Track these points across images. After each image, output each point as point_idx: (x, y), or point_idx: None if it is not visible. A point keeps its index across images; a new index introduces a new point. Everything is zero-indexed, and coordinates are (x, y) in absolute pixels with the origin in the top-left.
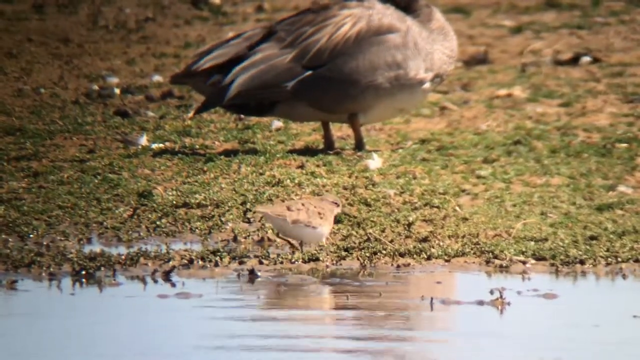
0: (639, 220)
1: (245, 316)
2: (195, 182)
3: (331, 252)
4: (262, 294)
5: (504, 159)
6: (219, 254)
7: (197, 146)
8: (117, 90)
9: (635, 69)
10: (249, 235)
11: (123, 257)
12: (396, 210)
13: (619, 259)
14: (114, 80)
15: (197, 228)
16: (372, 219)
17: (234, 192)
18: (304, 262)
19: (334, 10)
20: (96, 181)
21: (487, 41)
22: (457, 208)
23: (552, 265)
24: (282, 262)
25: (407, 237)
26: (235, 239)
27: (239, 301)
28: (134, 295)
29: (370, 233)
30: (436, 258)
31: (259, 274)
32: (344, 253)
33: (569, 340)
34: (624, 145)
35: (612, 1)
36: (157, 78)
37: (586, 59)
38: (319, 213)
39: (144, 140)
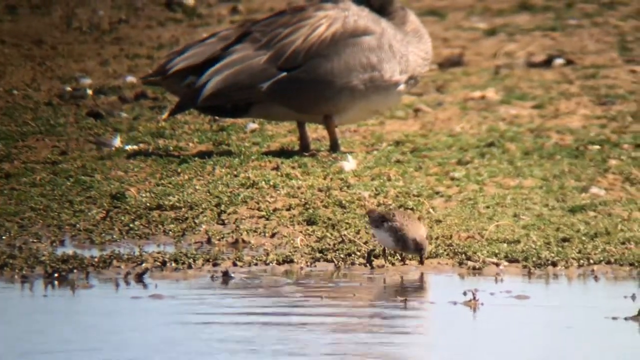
0: (611, 222)
1: (217, 318)
2: (169, 183)
3: (305, 253)
4: (236, 295)
5: (477, 161)
6: (192, 255)
7: (171, 148)
8: (90, 92)
9: (608, 71)
10: (223, 237)
11: (96, 259)
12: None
13: (591, 261)
14: (87, 81)
15: (170, 230)
16: (346, 220)
17: (208, 194)
18: (279, 263)
19: (309, 12)
20: (69, 183)
21: (462, 43)
22: (430, 210)
23: (525, 267)
24: (256, 264)
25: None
26: (209, 241)
27: (211, 303)
28: (107, 297)
29: (344, 235)
30: (410, 259)
31: (233, 275)
32: (318, 255)
33: (540, 341)
34: (597, 147)
35: (585, 3)
36: (131, 79)
37: (559, 61)
38: None
39: (117, 142)
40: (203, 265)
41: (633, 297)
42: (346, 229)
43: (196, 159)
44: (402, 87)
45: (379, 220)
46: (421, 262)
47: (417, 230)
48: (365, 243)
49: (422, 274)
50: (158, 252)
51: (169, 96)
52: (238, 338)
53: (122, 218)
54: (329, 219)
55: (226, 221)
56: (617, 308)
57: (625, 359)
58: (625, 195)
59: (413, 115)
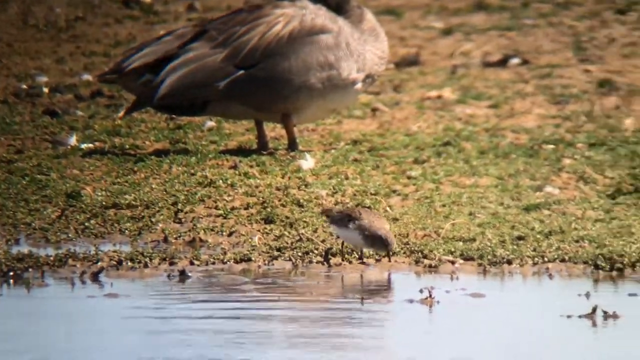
0: (566, 221)
1: (173, 316)
2: (125, 182)
3: (263, 252)
4: (193, 293)
5: (433, 160)
6: (148, 255)
7: (128, 146)
8: (46, 90)
9: (563, 70)
10: (180, 236)
11: (51, 258)
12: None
13: (546, 259)
14: (43, 79)
15: (126, 229)
16: (304, 219)
17: (164, 192)
18: (236, 262)
19: (266, 10)
20: (24, 182)
21: (418, 43)
22: (387, 208)
23: (480, 265)
24: (213, 263)
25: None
26: (165, 240)
27: (167, 301)
28: (62, 297)
29: (302, 233)
30: (367, 257)
31: (190, 274)
32: (276, 253)
33: (495, 339)
34: (551, 146)
35: (540, 3)
36: (87, 77)
37: (515, 60)
38: None
39: (73, 140)
40: (160, 264)
41: (587, 295)
42: (304, 227)
43: (153, 157)
44: (359, 85)
45: (344, 219)
46: (389, 258)
47: (384, 226)
48: (323, 241)
49: (379, 272)
50: (114, 251)
51: (125, 94)
52: (196, 334)
53: (78, 217)
54: (287, 217)
55: (183, 220)
56: (572, 306)
57: (579, 357)
58: (579, 194)
59: (370, 114)
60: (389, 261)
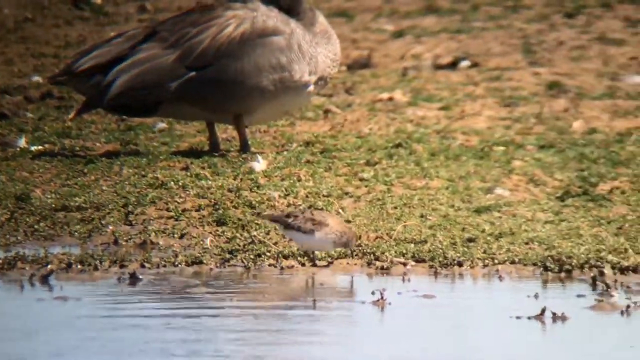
0: (515, 223)
1: (123, 318)
2: (75, 184)
3: (215, 254)
4: (143, 296)
5: (385, 162)
6: (98, 257)
7: (78, 148)
8: None
9: (513, 73)
10: (130, 239)
11: (0, 260)
12: (280, 213)
13: (496, 261)
14: None
15: (76, 231)
16: (256, 221)
17: (115, 194)
18: (188, 265)
19: (218, 11)
20: None
21: (370, 45)
22: (340, 210)
23: (431, 267)
24: (165, 266)
25: (291, 239)
26: (116, 242)
27: (117, 304)
28: (11, 299)
29: (254, 235)
30: (319, 260)
31: (140, 277)
32: (228, 255)
33: (445, 339)
34: (501, 148)
35: (490, 6)
36: (37, 78)
37: (465, 63)
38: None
39: (22, 142)
40: (110, 267)
41: (536, 296)
42: (256, 229)
43: (103, 159)
44: (311, 88)
45: (310, 225)
46: (352, 253)
47: (343, 224)
48: (275, 244)
49: (331, 274)
50: (63, 254)
51: (75, 96)
52: (145, 335)
53: (27, 219)
54: (239, 219)
55: (134, 222)
56: (521, 307)
57: (528, 358)
58: (528, 196)
59: (323, 116)
60: (352, 254)
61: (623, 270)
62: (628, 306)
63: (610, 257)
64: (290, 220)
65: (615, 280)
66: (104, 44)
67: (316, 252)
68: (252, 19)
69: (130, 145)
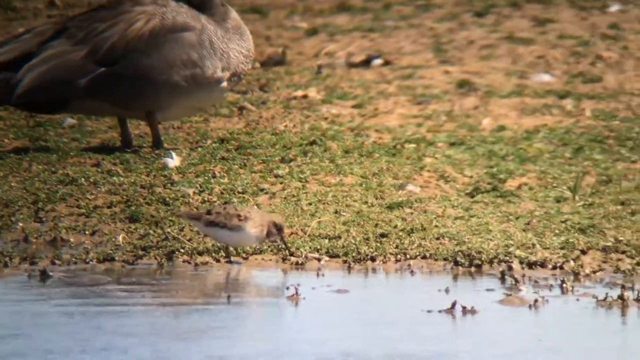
0: (427, 219)
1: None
2: None
3: (127, 251)
4: (54, 294)
5: (300, 159)
6: (8, 254)
7: None
8: None
9: (424, 71)
10: (40, 236)
11: None
12: (195, 209)
13: (408, 256)
14: None
15: None
16: (170, 217)
17: (24, 191)
18: (99, 261)
19: (126, 7)
20: None
21: (284, 42)
22: (255, 207)
23: (345, 262)
24: (76, 263)
25: (205, 235)
26: (26, 239)
27: (27, 301)
28: None
29: (168, 232)
30: (234, 256)
31: (51, 274)
32: (141, 252)
33: (358, 333)
34: (413, 145)
35: (402, 5)
36: None
37: (378, 61)
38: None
39: None
40: (20, 264)
41: (447, 290)
42: (170, 226)
43: (12, 155)
44: (224, 84)
45: (235, 222)
46: (284, 244)
47: (266, 216)
48: (190, 240)
49: (246, 271)
50: None
51: None
52: (58, 331)
53: None
54: (152, 216)
55: (44, 219)
56: (432, 301)
57: (438, 351)
58: (439, 193)
59: (238, 113)
60: (285, 245)
61: (531, 265)
62: (536, 300)
63: (518, 252)
64: (212, 217)
65: (524, 275)
66: (12, 40)
67: (231, 248)
68: (161, 15)
69: (39, 141)
